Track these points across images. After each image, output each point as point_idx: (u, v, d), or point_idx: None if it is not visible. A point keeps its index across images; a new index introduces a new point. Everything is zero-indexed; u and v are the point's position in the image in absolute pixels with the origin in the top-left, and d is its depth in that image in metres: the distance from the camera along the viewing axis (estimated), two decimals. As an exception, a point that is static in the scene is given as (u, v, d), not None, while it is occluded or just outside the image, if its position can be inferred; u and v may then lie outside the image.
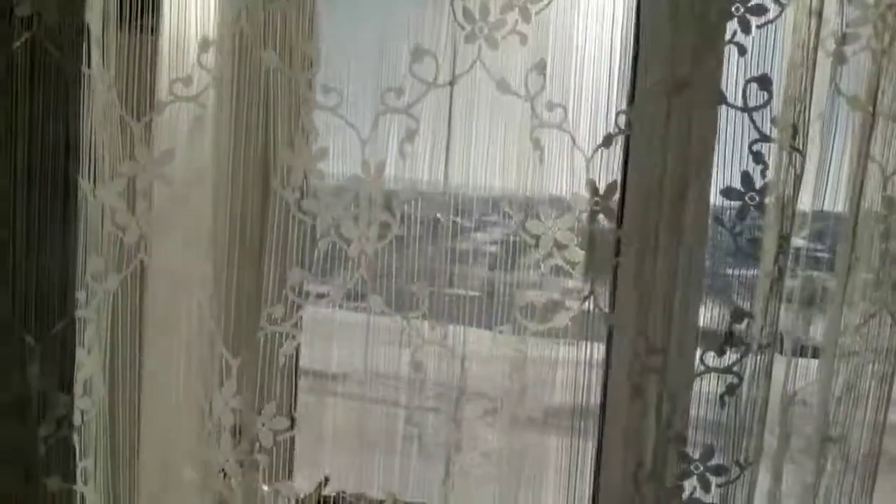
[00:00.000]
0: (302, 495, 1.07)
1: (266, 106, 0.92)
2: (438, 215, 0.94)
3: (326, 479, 1.11)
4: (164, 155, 0.92)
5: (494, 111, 0.91)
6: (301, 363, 1.05)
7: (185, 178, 0.93)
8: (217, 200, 0.93)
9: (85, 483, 1.01)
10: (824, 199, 0.94)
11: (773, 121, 0.91)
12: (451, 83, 0.90)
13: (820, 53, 0.92)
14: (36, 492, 1.06)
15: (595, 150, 0.92)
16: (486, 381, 1.01)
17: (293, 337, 0.96)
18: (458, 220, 0.96)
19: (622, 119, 0.92)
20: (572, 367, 1.05)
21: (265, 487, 1.01)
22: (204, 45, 0.91)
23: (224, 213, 0.93)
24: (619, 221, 0.97)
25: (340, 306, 1.00)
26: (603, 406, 1.08)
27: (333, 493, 1.11)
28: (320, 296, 0.97)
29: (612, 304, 0.99)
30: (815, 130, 0.93)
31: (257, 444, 0.96)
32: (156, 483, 1.05)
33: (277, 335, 0.95)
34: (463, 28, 0.89)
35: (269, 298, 0.94)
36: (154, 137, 0.93)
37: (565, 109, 0.90)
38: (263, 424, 0.95)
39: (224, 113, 0.92)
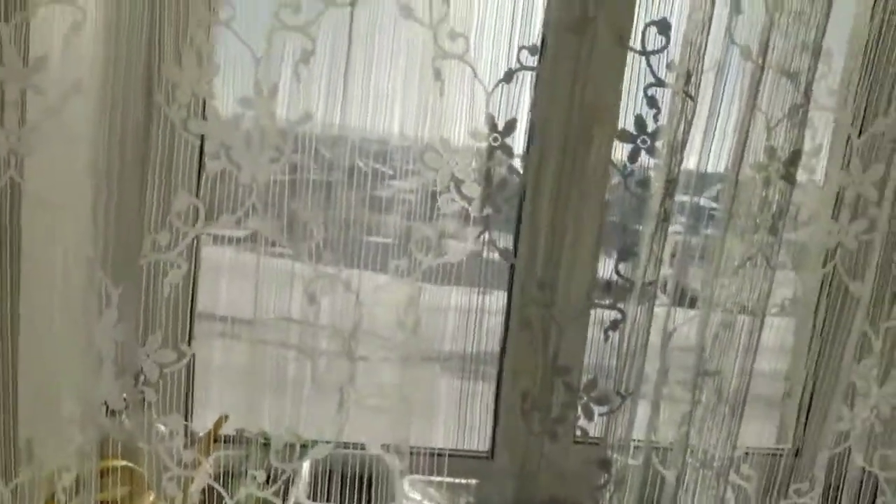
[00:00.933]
0: (200, 434, 0.96)
1: (152, 14, 0.75)
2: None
3: (225, 418, 0.98)
4: (37, 61, 0.77)
5: (396, 36, 0.79)
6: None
7: (60, 88, 0.77)
8: (96, 114, 0.76)
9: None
10: (711, 146, 0.85)
11: (668, 66, 0.82)
12: (352, 3, 0.78)
13: (718, 2, 0.82)
14: None
15: (496, 85, 0.80)
16: (380, 319, 0.89)
17: (179, 266, 0.80)
18: (359, 163, 0.82)
19: (525, 55, 0.80)
20: (467, 313, 0.92)
21: (161, 427, 0.85)
22: (81, -58, 0.73)
23: (104, 130, 0.79)
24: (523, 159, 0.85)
25: (230, 241, 0.85)
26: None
27: (232, 433, 0.99)
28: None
29: (514, 241, 0.88)
30: (709, 78, 0.84)
31: (142, 377, 0.80)
32: (37, 415, 0.88)
33: (162, 263, 0.79)
34: None
35: (154, 224, 0.78)
36: (26, 42, 0.74)
37: (467, 40, 0.80)
38: (148, 356, 0.80)
39: (104, 19, 0.75)
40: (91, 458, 0.90)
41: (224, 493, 0.91)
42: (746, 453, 1.01)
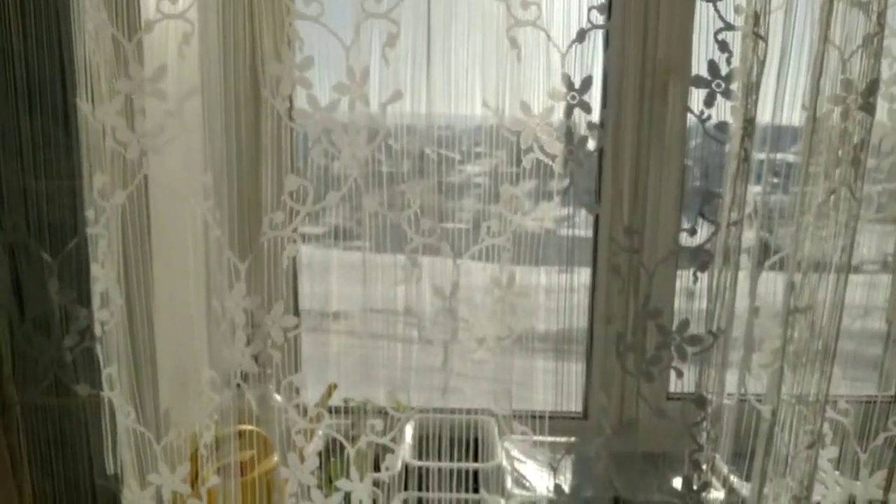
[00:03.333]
0: (311, 404, 1.10)
1: (251, 18, 0.90)
2: (427, 150, 0.91)
3: (333, 387, 1.12)
4: (157, 71, 0.92)
5: (471, 12, 0.91)
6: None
7: (178, 93, 0.93)
8: (211, 113, 0.93)
9: (111, 388, 1.07)
10: (786, 85, 0.92)
11: (736, 10, 0.89)
12: None
13: (782, -60, 0.88)
14: (67, 399, 1.05)
15: (569, 46, 0.90)
16: (476, 286, 1.00)
17: (294, 241, 0.94)
18: (445, 151, 0.94)
19: (594, 14, 0.89)
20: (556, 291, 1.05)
21: (278, 397, 1.00)
22: (187, -39, 0.88)
23: (219, 125, 0.93)
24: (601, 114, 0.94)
25: (338, 236, 0.98)
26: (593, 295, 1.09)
27: (340, 402, 1.15)
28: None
29: (595, 195, 0.98)
30: (778, 17, 0.90)
31: (269, 341, 0.96)
32: (176, 384, 1.05)
33: (280, 239, 0.94)
34: None
35: (269, 205, 0.93)
36: (146, 55, 0.90)
37: (539, 7, 0.90)
38: (273, 322, 0.95)
39: (211, 28, 0.91)
40: (228, 418, 1.06)
41: (345, 443, 1.06)
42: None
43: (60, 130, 1.01)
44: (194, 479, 1.06)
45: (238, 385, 1.06)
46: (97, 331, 1.05)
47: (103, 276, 1.02)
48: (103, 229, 1.00)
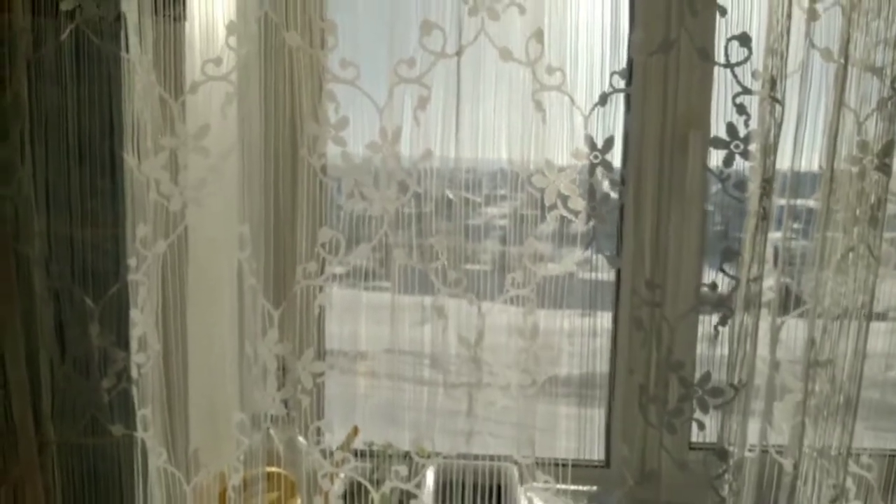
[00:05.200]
0: (334, 447, 1.15)
1: (290, 81, 0.99)
2: (450, 195, 0.99)
3: (356, 431, 1.19)
4: (200, 129, 1.01)
5: (499, 77, 0.99)
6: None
7: (220, 149, 1.01)
8: (251, 169, 1.01)
9: (144, 429, 1.14)
10: (803, 145, 0.98)
11: (753, 75, 0.96)
12: (458, 53, 0.98)
13: (795, 11, 0.96)
14: (103, 438, 1.13)
15: (592, 109, 0.98)
16: (500, 332, 1.07)
17: (325, 290, 1.02)
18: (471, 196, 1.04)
19: (616, 79, 0.97)
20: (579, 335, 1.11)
21: (302, 440, 1.07)
22: (231, 28, 1.00)
23: (258, 180, 1.01)
24: (622, 172, 1.01)
25: (365, 276, 1.05)
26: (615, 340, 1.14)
27: (363, 446, 1.21)
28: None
29: (616, 247, 1.04)
30: (793, 82, 0.98)
31: (299, 386, 1.02)
32: (208, 426, 1.12)
33: (312, 288, 1.01)
34: (466, 2, 0.96)
35: (303, 255, 1.01)
36: (190, 114, 0.99)
37: (563, 73, 0.98)
38: (304, 368, 1.02)
39: (252, 90, 1.00)
40: (257, 460, 1.12)
41: (370, 487, 1.11)
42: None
43: (107, 183, 1.10)
44: (223, 520, 1.13)
45: (268, 428, 1.12)
46: (133, 373, 1.12)
47: (142, 321, 1.09)
48: (144, 277, 1.08)
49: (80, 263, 1.13)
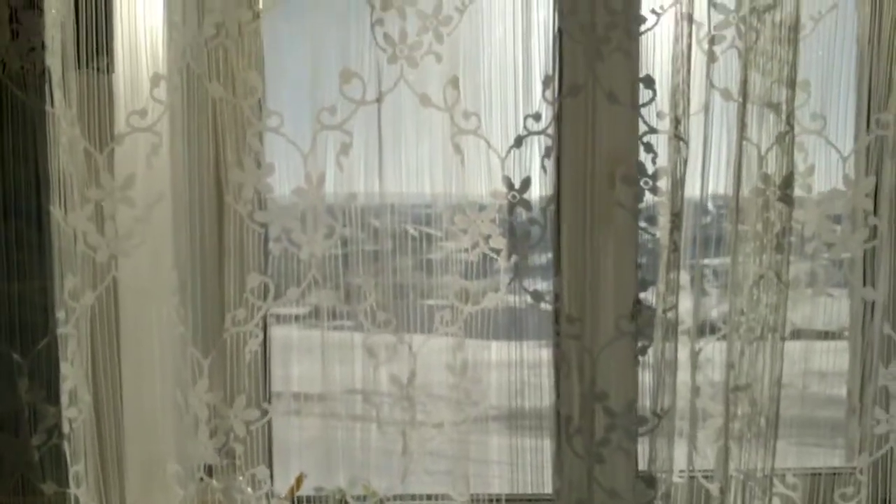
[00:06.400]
0: (282, 494, 1.18)
1: (215, 131, 1.03)
2: (376, 228, 1.04)
3: (302, 477, 1.20)
4: (126, 180, 1.04)
5: (419, 122, 1.05)
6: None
7: (146, 199, 1.04)
8: (177, 218, 1.04)
9: (77, 486, 1.13)
10: (709, 179, 1.05)
11: (658, 115, 1.02)
12: (379, 100, 1.03)
13: (697, 53, 1.03)
14: (34, 498, 1.12)
15: (508, 151, 1.03)
16: (433, 372, 1.09)
17: (256, 336, 1.05)
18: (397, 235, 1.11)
19: (530, 122, 1.03)
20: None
21: (249, 490, 1.08)
22: (155, 80, 1.03)
23: (185, 229, 1.05)
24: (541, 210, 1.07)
25: (306, 318, 1.09)
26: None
27: (311, 492, 1.21)
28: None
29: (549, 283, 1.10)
30: (698, 120, 1.04)
31: (232, 434, 1.04)
32: (142, 479, 1.13)
33: (242, 335, 1.04)
34: (385, 51, 1.02)
35: (232, 302, 1.03)
36: (116, 165, 1.02)
37: (479, 117, 1.04)
38: (236, 416, 1.04)
39: (178, 140, 1.03)
40: (193, 512, 1.13)
41: (311, 536, 1.13)
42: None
43: (33, 235, 1.12)
44: (158, 575, 1.12)
45: (201, 479, 1.13)
46: (65, 428, 1.12)
47: (72, 375, 1.10)
48: (73, 329, 1.09)
49: (7, 317, 1.14)
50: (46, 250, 1.11)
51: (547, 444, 1.22)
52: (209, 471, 1.13)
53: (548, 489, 1.19)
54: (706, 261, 1.15)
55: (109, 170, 1.06)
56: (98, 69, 1.06)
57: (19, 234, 1.13)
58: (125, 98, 1.07)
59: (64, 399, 1.12)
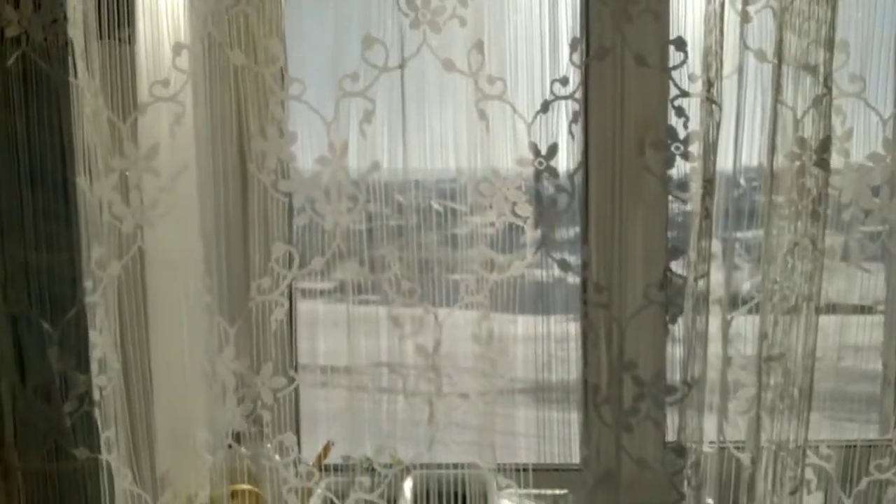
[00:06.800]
0: (310, 462, 1.20)
1: (238, 99, 1.04)
2: (400, 199, 1.06)
3: (330, 445, 1.21)
4: (150, 150, 1.05)
5: (442, 88, 1.05)
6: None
7: (170, 169, 1.05)
8: (202, 187, 1.05)
9: (109, 452, 1.16)
10: (742, 143, 1.03)
11: (690, 77, 1.00)
12: (402, 66, 1.03)
13: (730, 14, 1.00)
14: (67, 463, 1.15)
15: (534, 116, 1.02)
16: (459, 343, 1.10)
17: (281, 304, 1.06)
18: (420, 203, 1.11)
19: (557, 86, 1.02)
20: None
21: (277, 457, 1.09)
22: (177, 49, 1.04)
23: (209, 198, 1.06)
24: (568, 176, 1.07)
25: (332, 292, 1.11)
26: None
27: (338, 461, 1.24)
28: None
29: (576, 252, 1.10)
30: (731, 83, 1.02)
31: (259, 402, 1.06)
32: (172, 445, 1.15)
33: (267, 303, 1.05)
34: (407, 15, 1.02)
35: (257, 271, 1.04)
36: (140, 135, 1.03)
37: (504, 82, 1.03)
38: (263, 383, 1.05)
39: (201, 109, 1.04)
40: (222, 478, 1.15)
41: (336, 501, 1.15)
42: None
43: (60, 206, 1.14)
44: (189, 539, 1.15)
45: (230, 445, 1.15)
46: (95, 396, 1.15)
47: (101, 343, 1.12)
48: (101, 298, 1.11)
49: (37, 287, 1.17)
50: (73, 221, 1.13)
51: (574, 417, 1.23)
52: (237, 438, 1.16)
53: (575, 461, 1.21)
54: (738, 231, 1.13)
55: (133, 140, 1.07)
56: (120, 39, 1.06)
57: (46, 206, 1.14)
58: (148, 68, 1.08)
59: (93, 367, 1.14)
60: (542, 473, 1.18)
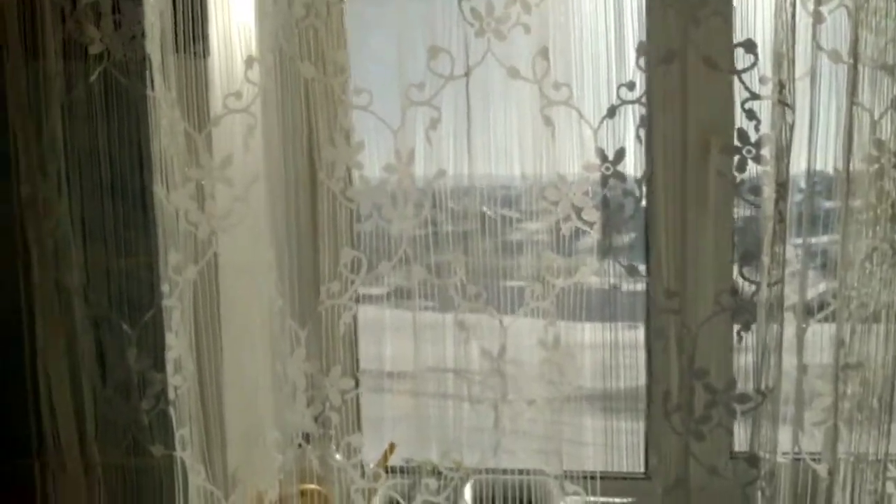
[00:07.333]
0: (371, 465, 1.24)
1: (307, 110, 1.08)
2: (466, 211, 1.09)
3: (392, 447, 1.24)
4: (224, 160, 1.11)
5: (507, 95, 1.07)
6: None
7: (244, 179, 1.10)
8: (273, 196, 1.09)
9: (183, 449, 1.22)
10: (817, 147, 1.02)
11: (761, 80, 0.99)
12: (467, 74, 1.07)
13: (802, 14, 0.99)
14: (144, 458, 1.21)
15: (601, 122, 1.03)
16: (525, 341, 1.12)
17: (350, 308, 1.10)
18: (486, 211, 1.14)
19: (623, 91, 1.03)
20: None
21: (338, 457, 1.13)
22: (249, 62, 1.09)
23: (280, 206, 1.10)
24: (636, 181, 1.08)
25: (389, 298, 1.15)
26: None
27: (401, 462, 1.29)
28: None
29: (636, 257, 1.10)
30: (804, 85, 1.01)
31: (328, 403, 1.10)
32: (243, 444, 1.20)
33: (336, 307, 1.09)
34: (472, 25, 1.04)
35: (326, 276, 1.08)
36: (214, 146, 1.08)
37: (570, 88, 1.05)
38: (332, 385, 1.09)
39: (272, 120, 1.08)
40: (291, 477, 1.20)
41: (402, 503, 1.18)
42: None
43: (139, 214, 1.21)
44: (261, 536, 1.20)
45: (300, 445, 1.20)
46: (171, 395, 1.22)
47: (177, 345, 1.18)
48: (177, 301, 1.17)
49: (117, 291, 1.24)
50: (151, 228, 1.20)
51: (639, 426, 1.23)
52: (307, 438, 1.20)
53: (639, 470, 1.21)
54: (813, 236, 1.12)
55: (208, 150, 1.12)
56: (195, 54, 1.12)
57: (126, 214, 1.22)
58: (221, 81, 1.13)
59: (169, 367, 1.20)
60: (608, 482, 1.19)
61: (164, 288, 1.18)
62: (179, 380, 1.20)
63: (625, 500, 1.25)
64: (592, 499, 1.18)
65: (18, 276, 1.23)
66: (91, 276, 1.23)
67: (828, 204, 1.11)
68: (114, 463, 1.28)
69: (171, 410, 1.21)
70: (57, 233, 1.20)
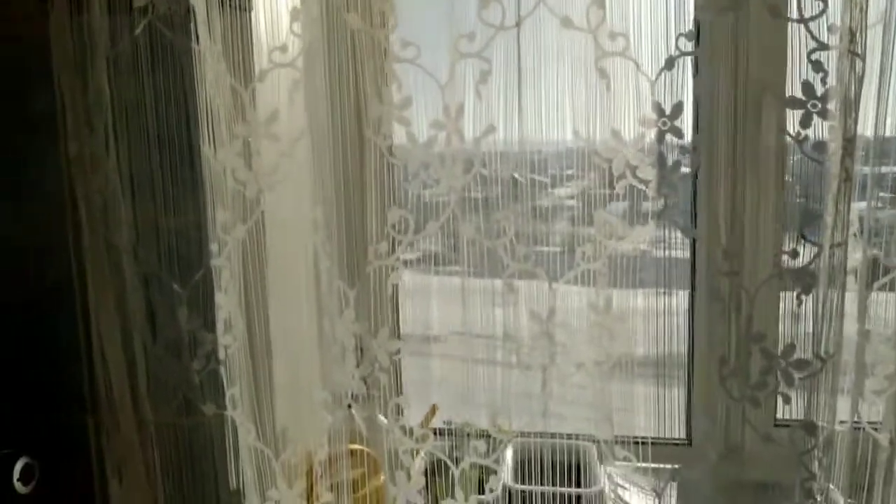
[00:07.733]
0: (414, 425, 1.23)
1: (354, 64, 1.05)
2: (516, 175, 1.04)
3: (435, 408, 1.24)
4: (270, 116, 1.11)
5: (560, 46, 1.05)
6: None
7: (290, 135, 1.10)
8: (320, 152, 1.08)
9: (234, 408, 1.24)
10: (888, 103, 0.97)
11: (829, 28, 0.95)
12: (518, 24, 1.03)
13: (876, -44, 0.95)
14: (195, 418, 1.23)
15: (658, 74, 1.01)
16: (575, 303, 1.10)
17: (397, 269, 1.09)
18: (537, 177, 1.11)
19: (683, 41, 0.99)
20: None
21: (382, 419, 1.14)
22: (294, 14, 1.08)
23: (327, 164, 1.10)
24: (693, 138, 1.05)
25: (436, 261, 1.15)
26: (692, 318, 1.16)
27: (442, 425, 1.29)
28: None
29: (692, 216, 1.07)
30: (875, 33, 0.96)
31: (377, 364, 1.10)
32: (292, 404, 1.21)
33: (384, 268, 1.09)
34: None
35: (374, 236, 1.07)
36: (260, 101, 1.07)
37: (626, 38, 1.02)
38: (380, 346, 1.09)
39: (318, 74, 1.08)
40: (340, 436, 1.21)
41: (450, 464, 1.18)
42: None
43: (187, 171, 1.21)
44: (309, 495, 1.22)
45: (349, 406, 1.21)
46: (221, 354, 1.23)
47: (226, 304, 1.20)
48: (226, 261, 1.18)
49: (166, 250, 1.25)
50: (199, 185, 1.20)
51: (681, 393, 1.21)
52: (355, 398, 1.21)
53: (681, 436, 1.19)
54: (879, 196, 1.07)
55: (254, 106, 1.12)
56: (239, 7, 1.11)
57: (174, 170, 1.22)
58: (266, 34, 1.12)
59: (219, 327, 1.22)
60: (653, 447, 1.18)
61: (213, 247, 1.19)
62: (230, 339, 1.21)
63: (671, 466, 1.23)
64: (637, 464, 1.17)
65: (68, 237, 1.25)
66: (140, 233, 1.25)
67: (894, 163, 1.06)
68: (166, 422, 1.31)
69: (222, 370, 1.23)
70: (105, 190, 1.22)
